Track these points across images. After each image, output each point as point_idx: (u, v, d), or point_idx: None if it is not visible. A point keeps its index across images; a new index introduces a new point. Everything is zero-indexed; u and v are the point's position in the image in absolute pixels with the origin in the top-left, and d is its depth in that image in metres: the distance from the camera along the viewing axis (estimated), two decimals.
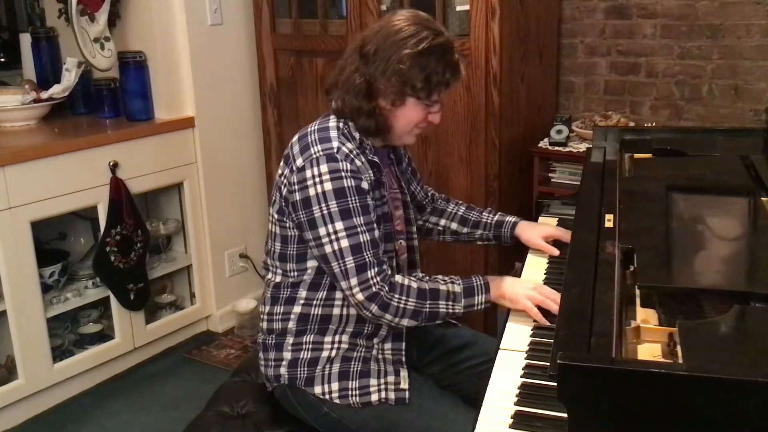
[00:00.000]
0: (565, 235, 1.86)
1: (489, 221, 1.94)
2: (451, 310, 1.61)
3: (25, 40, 3.18)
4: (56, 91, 2.96)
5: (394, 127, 1.63)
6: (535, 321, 1.58)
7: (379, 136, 1.66)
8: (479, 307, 1.64)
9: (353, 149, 1.59)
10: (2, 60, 3.85)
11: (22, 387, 2.62)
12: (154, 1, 2.93)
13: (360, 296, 1.54)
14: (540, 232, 1.90)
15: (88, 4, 2.86)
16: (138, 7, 2.97)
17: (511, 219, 1.93)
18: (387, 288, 1.55)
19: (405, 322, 1.59)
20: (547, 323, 1.56)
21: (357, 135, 1.62)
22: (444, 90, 1.61)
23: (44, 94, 2.95)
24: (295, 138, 1.64)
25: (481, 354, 1.79)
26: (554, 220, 2.13)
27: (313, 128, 1.63)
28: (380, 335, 1.68)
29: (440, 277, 1.66)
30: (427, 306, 1.59)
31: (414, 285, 1.59)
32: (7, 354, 2.67)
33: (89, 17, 2.87)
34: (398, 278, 1.59)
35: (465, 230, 1.96)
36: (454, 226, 1.97)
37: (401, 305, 1.56)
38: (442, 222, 1.98)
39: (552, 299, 1.58)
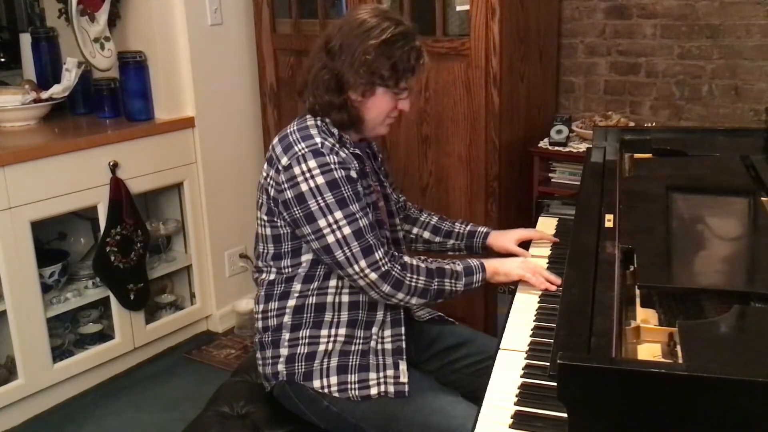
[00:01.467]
0: (536, 234, 1.95)
1: (461, 231, 1.97)
2: (454, 288, 1.68)
3: (25, 40, 3.18)
4: (56, 91, 2.96)
5: (366, 118, 1.68)
6: (541, 292, 1.69)
7: (353, 129, 1.70)
8: (476, 285, 1.72)
9: (335, 143, 1.63)
10: (2, 60, 3.85)
11: (22, 387, 2.62)
12: (154, 1, 2.93)
13: (373, 276, 1.58)
14: (512, 237, 1.94)
15: (88, 4, 2.86)
16: (138, 7, 2.97)
17: (483, 229, 1.97)
18: (399, 267, 1.60)
19: (414, 300, 1.64)
20: (546, 287, 1.68)
21: (335, 131, 1.66)
22: (411, 76, 1.66)
23: (44, 94, 2.95)
24: (276, 140, 1.67)
25: (479, 352, 1.81)
26: (554, 220, 2.13)
27: (292, 128, 1.66)
28: (378, 322, 1.69)
29: (439, 258, 1.73)
30: (435, 284, 1.65)
31: (422, 264, 1.65)
32: (7, 354, 2.67)
33: (89, 17, 2.87)
34: (407, 258, 1.65)
35: (437, 239, 1.99)
36: (426, 235, 1.99)
37: (413, 284, 1.62)
38: (415, 230, 2.00)
39: (539, 271, 1.71)
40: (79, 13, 2.85)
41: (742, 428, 0.94)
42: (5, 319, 2.57)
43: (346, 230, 1.57)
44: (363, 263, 1.57)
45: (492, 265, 1.73)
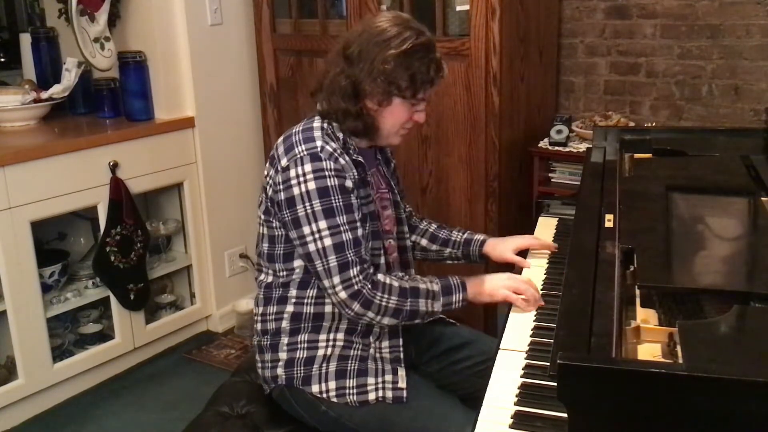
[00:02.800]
0: (535, 242, 1.89)
1: (458, 239, 1.93)
2: (430, 309, 1.63)
3: (25, 40, 3.19)
4: (56, 91, 2.96)
5: (381, 127, 1.66)
6: (539, 311, 1.63)
7: (367, 137, 1.68)
8: (456, 305, 1.66)
9: (337, 148, 1.60)
10: (2, 60, 3.85)
11: (22, 387, 2.62)
12: (154, 1, 2.93)
13: (343, 294, 1.55)
14: (510, 245, 1.88)
15: (88, 4, 2.86)
16: (138, 7, 2.97)
17: (479, 237, 1.92)
18: (370, 286, 1.56)
19: (386, 320, 1.60)
20: (529, 310, 1.63)
21: (341, 135, 1.64)
22: (429, 88, 1.64)
23: (44, 94, 2.95)
24: (280, 139, 1.66)
25: (480, 353, 1.80)
26: (554, 220, 2.13)
27: (297, 129, 1.65)
28: (375, 333, 1.68)
29: (418, 276, 1.69)
30: (408, 304, 1.60)
31: (395, 284, 1.60)
32: (7, 354, 2.67)
33: (89, 17, 2.87)
34: (380, 276, 1.60)
35: (434, 247, 1.95)
36: (423, 242, 1.95)
37: (383, 303, 1.57)
38: (413, 237, 1.95)
39: (526, 286, 1.66)
40: (79, 13, 2.85)
41: (742, 428, 0.94)
42: (5, 319, 2.57)
43: (327, 242, 1.54)
44: (336, 279, 1.55)
45: (475, 284, 1.68)
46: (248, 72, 3.26)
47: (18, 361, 2.60)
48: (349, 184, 1.58)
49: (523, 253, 1.90)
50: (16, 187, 2.50)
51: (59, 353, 2.78)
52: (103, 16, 2.90)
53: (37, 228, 2.62)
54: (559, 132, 2.84)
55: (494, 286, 1.68)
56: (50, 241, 2.99)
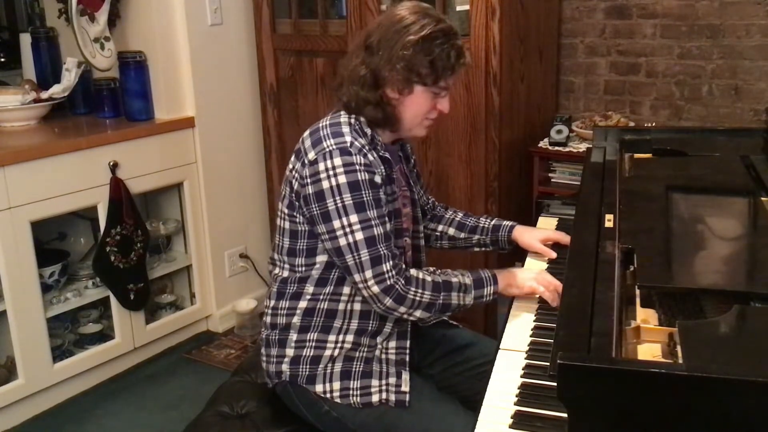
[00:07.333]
0: (564, 238, 1.87)
1: (486, 225, 1.94)
2: (462, 302, 1.64)
3: (25, 40, 3.19)
4: (56, 91, 2.96)
5: (403, 117, 1.64)
6: (539, 311, 1.64)
7: (388, 127, 1.66)
8: (488, 298, 1.68)
9: (365, 144, 1.59)
10: (2, 60, 3.85)
11: (22, 387, 2.62)
12: (154, 1, 2.93)
13: (375, 288, 1.54)
14: (538, 235, 1.90)
15: (88, 4, 2.86)
16: (138, 7, 2.97)
17: (508, 223, 1.93)
18: (403, 281, 1.57)
19: (418, 314, 1.60)
20: (557, 303, 1.62)
21: (368, 131, 1.63)
22: (450, 75, 1.62)
23: (44, 94, 2.95)
24: (307, 133, 1.64)
25: (481, 355, 1.80)
26: (554, 220, 2.13)
27: (325, 123, 1.63)
28: (384, 333, 1.68)
29: (449, 270, 1.68)
30: (441, 298, 1.61)
31: (428, 278, 1.61)
32: (7, 354, 2.67)
33: (89, 17, 2.87)
34: (413, 272, 1.61)
35: (462, 235, 1.96)
36: (451, 231, 1.96)
37: (417, 298, 1.58)
38: (440, 227, 1.97)
39: (555, 284, 1.67)
40: (79, 13, 2.85)
41: (742, 428, 0.94)
42: (5, 319, 2.57)
43: (359, 236, 1.54)
44: (369, 273, 1.54)
45: (505, 277, 1.69)
46: (248, 72, 3.26)
47: (18, 361, 2.60)
48: (378, 179, 1.58)
49: (524, 252, 1.91)
50: (16, 187, 2.50)
51: (59, 353, 2.78)
52: (103, 16, 2.90)
53: (37, 228, 2.62)
54: (559, 132, 2.84)
55: (523, 279, 1.69)
56: (50, 241, 2.99)
